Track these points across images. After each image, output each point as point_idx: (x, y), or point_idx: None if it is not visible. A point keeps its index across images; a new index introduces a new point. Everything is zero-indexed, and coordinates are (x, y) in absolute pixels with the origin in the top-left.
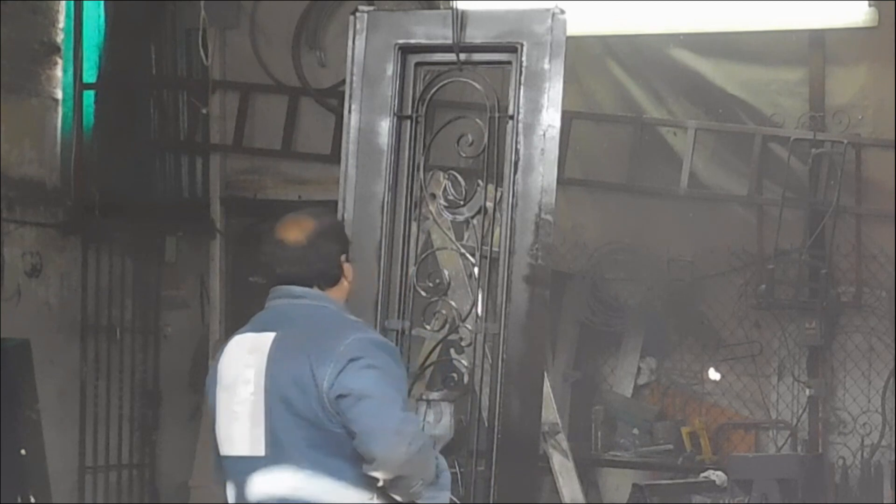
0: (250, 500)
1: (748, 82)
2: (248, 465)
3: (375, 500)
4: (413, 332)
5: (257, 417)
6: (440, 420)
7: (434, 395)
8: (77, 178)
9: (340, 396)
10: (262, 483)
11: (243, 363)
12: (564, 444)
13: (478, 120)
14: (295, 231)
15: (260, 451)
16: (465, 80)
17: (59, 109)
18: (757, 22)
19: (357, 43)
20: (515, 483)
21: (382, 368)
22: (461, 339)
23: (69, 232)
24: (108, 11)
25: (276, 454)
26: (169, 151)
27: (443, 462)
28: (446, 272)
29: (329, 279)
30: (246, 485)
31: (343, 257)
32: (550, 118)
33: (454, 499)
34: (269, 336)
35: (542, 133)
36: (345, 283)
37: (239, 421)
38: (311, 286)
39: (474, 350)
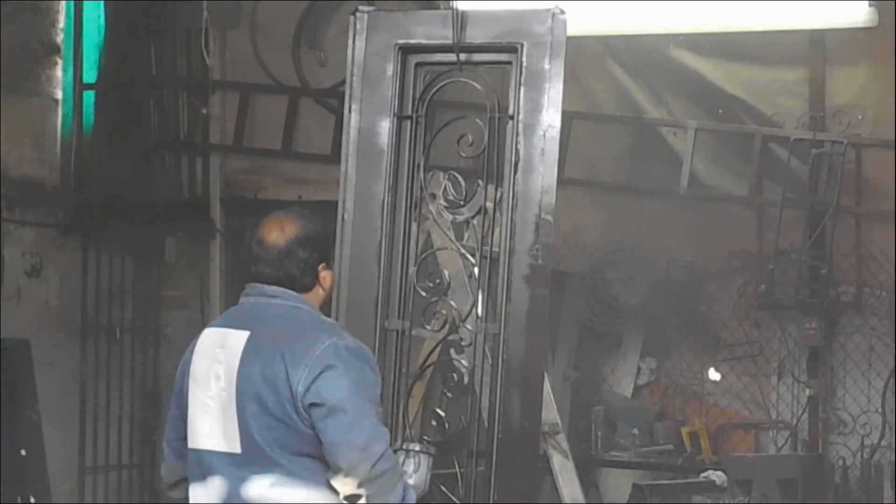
0: (222, 496)
1: (748, 82)
2: (222, 460)
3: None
4: (413, 332)
5: (229, 414)
6: (417, 470)
7: (414, 447)
8: (77, 178)
9: (314, 405)
10: (236, 480)
11: (213, 358)
12: (564, 444)
13: (478, 120)
14: (276, 233)
15: (236, 448)
16: (465, 80)
17: (59, 109)
18: (757, 22)
19: (357, 43)
20: (515, 483)
21: (357, 378)
22: (461, 339)
23: (69, 232)
24: (108, 11)
25: (251, 453)
26: (169, 151)
27: (411, 496)
28: (446, 272)
29: (302, 286)
30: (217, 480)
31: (321, 265)
32: (550, 118)
33: (454, 499)
34: (243, 334)
35: (542, 133)
36: (319, 291)
37: (211, 415)
38: (284, 287)
39: (474, 350)
